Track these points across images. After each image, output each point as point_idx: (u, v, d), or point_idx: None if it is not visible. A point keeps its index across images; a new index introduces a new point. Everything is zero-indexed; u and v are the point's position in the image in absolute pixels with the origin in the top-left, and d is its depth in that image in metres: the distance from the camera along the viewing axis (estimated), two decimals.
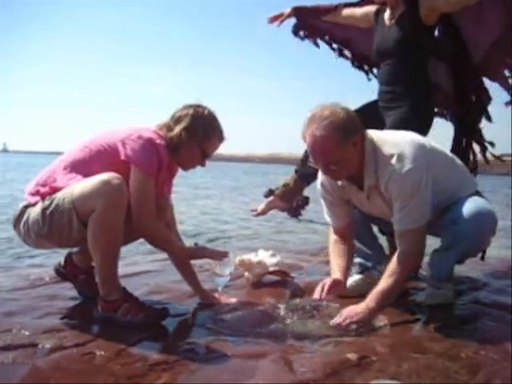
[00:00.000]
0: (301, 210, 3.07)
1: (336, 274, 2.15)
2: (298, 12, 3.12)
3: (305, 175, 2.91)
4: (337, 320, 1.88)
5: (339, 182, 2.11)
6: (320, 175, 2.22)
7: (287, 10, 3.11)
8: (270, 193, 2.99)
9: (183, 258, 2.18)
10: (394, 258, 1.96)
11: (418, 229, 1.93)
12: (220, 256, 2.09)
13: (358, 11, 2.94)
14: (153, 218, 1.96)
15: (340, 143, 1.86)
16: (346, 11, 2.99)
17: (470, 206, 2.00)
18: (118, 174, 1.83)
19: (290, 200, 2.94)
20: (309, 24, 3.18)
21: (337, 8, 3.01)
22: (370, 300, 1.92)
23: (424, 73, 2.67)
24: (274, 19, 3.11)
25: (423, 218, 1.94)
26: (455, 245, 2.02)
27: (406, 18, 2.59)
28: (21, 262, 3.41)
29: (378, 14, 2.80)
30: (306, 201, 3.08)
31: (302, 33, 3.21)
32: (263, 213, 3.02)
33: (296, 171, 2.96)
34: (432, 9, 2.55)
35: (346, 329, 1.85)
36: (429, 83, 2.69)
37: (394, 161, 1.90)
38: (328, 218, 2.29)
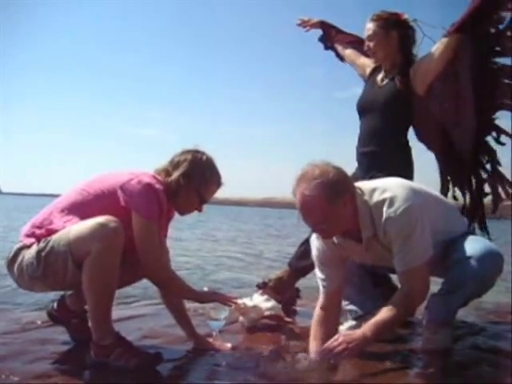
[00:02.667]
0: (293, 302, 3.09)
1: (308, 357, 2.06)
2: (323, 26, 3.27)
3: (298, 269, 2.99)
4: (333, 343, 1.86)
5: (335, 240, 2.11)
6: (314, 239, 2.21)
7: (315, 20, 3.25)
8: (264, 285, 2.99)
9: (193, 301, 2.17)
10: (398, 294, 1.95)
11: (420, 266, 1.92)
12: (230, 301, 2.10)
13: (360, 59, 3.05)
14: (160, 263, 1.99)
15: (329, 203, 1.86)
16: (351, 52, 3.11)
17: (475, 246, 2.00)
18: (116, 218, 1.83)
19: (283, 293, 2.94)
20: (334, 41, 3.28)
21: (347, 43, 3.14)
22: (368, 329, 1.89)
23: (406, 136, 2.73)
24: (302, 23, 3.27)
25: (425, 255, 1.93)
26: (462, 286, 2.00)
27: (398, 81, 2.67)
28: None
29: (374, 72, 2.90)
30: (297, 293, 3.13)
31: (328, 43, 3.30)
32: None
33: (290, 265, 3.02)
34: (419, 73, 2.64)
35: (339, 353, 1.82)
36: (410, 148, 2.74)
37: (386, 205, 1.91)
38: (320, 283, 2.23)
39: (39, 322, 2.47)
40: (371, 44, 2.75)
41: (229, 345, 2.20)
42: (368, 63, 2.98)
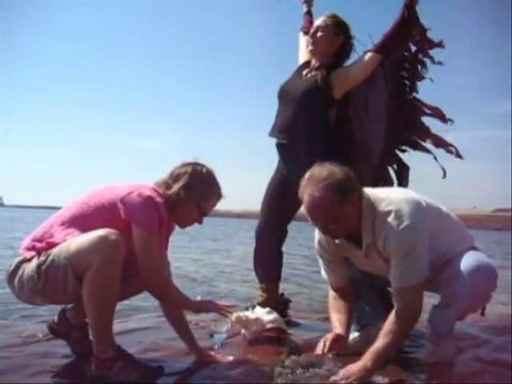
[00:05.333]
0: (287, 307, 3.08)
1: (337, 328, 2.12)
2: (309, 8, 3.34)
3: (272, 278, 3.02)
4: (334, 379, 1.85)
5: (337, 240, 2.12)
6: (317, 234, 2.23)
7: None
8: (254, 307, 2.96)
9: (191, 311, 2.16)
10: (392, 316, 1.94)
11: (415, 286, 1.93)
12: (226, 310, 2.09)
13: (303, 51, 3.11)
14: (160, 275, 1.98)
15: (338, 204, 1.89)
16: (304, 40, 3.14)
17: (469, 261, 2.01)
18: (116, 230, 1.83)
19: (276, 307, 2.89)
20: None
21: (306, 32, 3.16)
22: (367, 359, 1.89)
23: (324, 130, 2.78)
24: None
25: (421, 276, 1.93)
26: (456, 300, 2.00)
27: (320, 77, 2.76)
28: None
29: (303, 66, 2.99)
30: (285, 298, 3.10)
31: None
32: None
33: (263, 281, 3.03)
34: (340, 79, 2.75)
35: None
36: (327, 142, 2.77)
37: (391, 218, 1.92)
38: (326, 276, 2.28)
39: (40, 336, 2.46)
40: (318, 34, 2.83)
41: (230, 358, 2.19)
42: (306, 56, 3.05)
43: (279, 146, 2.90)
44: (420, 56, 2.88)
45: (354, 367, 1.88)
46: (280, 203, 2.94)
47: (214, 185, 2.13)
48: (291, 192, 2.82)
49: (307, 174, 1.95)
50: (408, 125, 2.92)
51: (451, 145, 2.86)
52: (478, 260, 2.03)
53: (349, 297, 2.26)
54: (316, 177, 1.91)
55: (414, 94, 2.93)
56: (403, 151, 2.96)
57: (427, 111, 2.91)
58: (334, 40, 2.83)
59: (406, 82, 2.93)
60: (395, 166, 2.95)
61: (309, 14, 3.33)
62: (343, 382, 1.83)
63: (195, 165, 2.12)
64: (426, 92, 2.96)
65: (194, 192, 2.06)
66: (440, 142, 2.87)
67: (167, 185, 2.09)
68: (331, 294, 2.27)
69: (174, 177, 2.10)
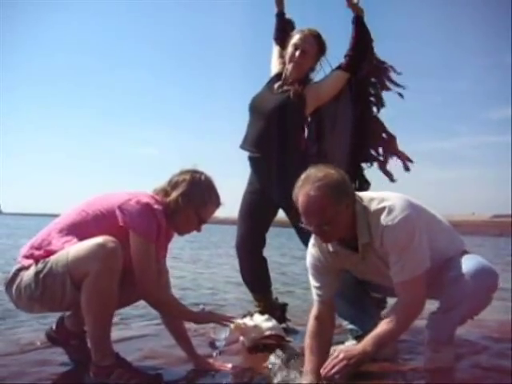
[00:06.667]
0: (285, 311, 3.08)
1: (308, 375, 1.97)
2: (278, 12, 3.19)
3: (261, 287, 3.05)
4: (333, 360, 1.84)
5: (331, 248, 2.10)
6: (310, 247, 2.21)
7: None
8: (252, 315, 2.90)
9: (189, 322, 2.16)
10: (395, 306, 1.96)
11: (417, 278, 1.92)
12: (227, 320, 2.09)
13: (275, 61, 3.13)
14: (155, 284, 1.97)
15: (333, 204, 1.89)
16: (277, 50, 3.15)
17: (470, 263, 2.01)
18: (115, 238, 1.83)
19: (273, 314, 2.87)
20: None
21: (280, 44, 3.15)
22: (367, 343, 1.89)
23: (297, 143, 2.83)
24: None
25: (422, 267, 1.93)
26: (459, 304, 1.99)
27: (293, 92, 2.81)
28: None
29: (274, 78, 3.01)
30: (280, 304, 3.10)
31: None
32: None
33: (256, 291, 3.06)
34: (310, 95, 2.80)
35: (340, 370, 1.81)
36: (300, 155, 2.81)
37: (384, 214, 1.93)
38: (314, 291, 2.21)
39: (38, 343, 2.45)
40: (304, 56, 2.85)
41: (229, 365, 2.18)
42: (278, 68, 3.06)
43: (252, 160, 2.93)
44: (381, 65, 2.95)
45: (353, 350, 1.89)
46: (256, 216, 2.97)
47: (213, 192, 2.13)
48: (266, 203, 2.86)
49: (303, 176, 1.94)
50: (371, 140, 3.00)
51: (409, 159, 2.97)
52: (479, 262, 2.04)
53: (330, 325, 2.17)
54: (312, 177, 1.91)
55: (379, 111, 3.01)
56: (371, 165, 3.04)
57: (383, 135, 2.99)
58: (314, 60, 2.90)
59: (372, 99, 3.00)
60: (357, 182, 2.99)
61: (281, 14, 3.16)
62: (343, 363, 1.82)
63: (194, 172, 2.12)
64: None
65: (193, 199, 2.06)
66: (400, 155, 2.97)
67: (166, 192, 2.09)
68: (311, 325, 2.14)
69: (173, 184, 2.10)
